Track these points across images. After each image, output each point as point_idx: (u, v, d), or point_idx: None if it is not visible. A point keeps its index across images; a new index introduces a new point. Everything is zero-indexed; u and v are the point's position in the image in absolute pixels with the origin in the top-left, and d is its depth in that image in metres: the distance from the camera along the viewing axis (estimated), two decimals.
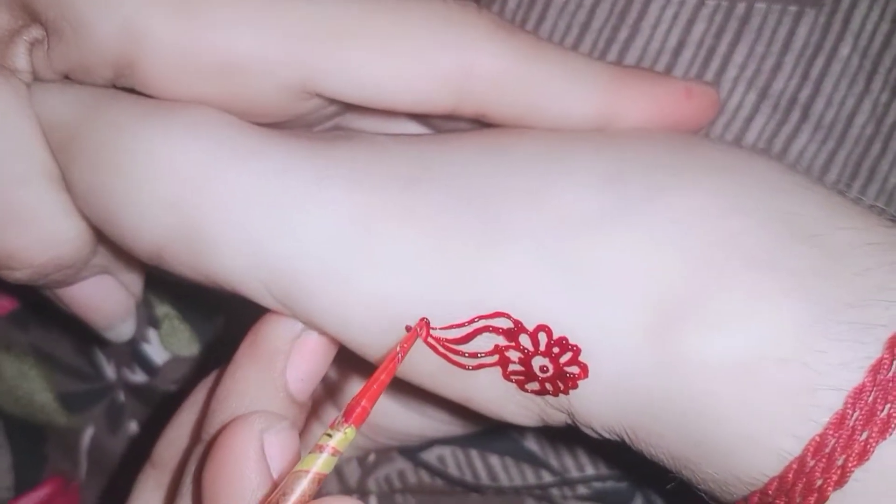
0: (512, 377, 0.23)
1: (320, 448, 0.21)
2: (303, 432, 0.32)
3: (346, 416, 0.21)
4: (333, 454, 0.21)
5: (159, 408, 0.38)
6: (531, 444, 0.34)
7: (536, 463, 0.34)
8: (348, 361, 0.28)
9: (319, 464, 0.21)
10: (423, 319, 0.23)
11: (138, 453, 0.35)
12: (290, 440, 0.23)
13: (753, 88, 0.30)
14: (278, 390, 0.25)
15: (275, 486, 0.22)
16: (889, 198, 0.30)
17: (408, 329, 0.23)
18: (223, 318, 0.38)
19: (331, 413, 0.32)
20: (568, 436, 0.25)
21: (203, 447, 0.25)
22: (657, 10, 0.29)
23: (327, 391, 0.33)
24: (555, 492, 0.34)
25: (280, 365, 0.25)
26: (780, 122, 0.30)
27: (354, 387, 0.31)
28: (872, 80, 0.30)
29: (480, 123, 0.26)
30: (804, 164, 0.30)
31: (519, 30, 0.26)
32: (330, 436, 0.21)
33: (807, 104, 0.30)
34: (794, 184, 0.23)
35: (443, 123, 0.28)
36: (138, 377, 0.38)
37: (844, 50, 0.29)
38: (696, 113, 0.27)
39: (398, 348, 0.22)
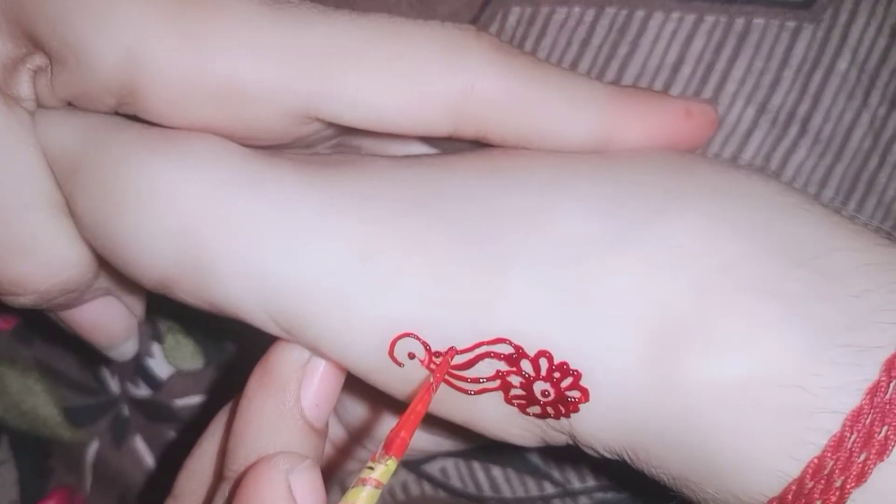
0: (514, 401, 0.23)
1: (363, 482, 0.21)
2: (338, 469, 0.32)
3: (387, 448, 0.21)
4: (377, 486, 0.21)
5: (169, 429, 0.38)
6: (533, 456, 0.34)
7: (539, 474, 0.34)
8: (378, 398, 0.28)
9: (364, 497, 0.21)
10: (451, 349, 0.23)
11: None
12: (315, 478, 0.23)
13: (752, 103, 0.30)
14: (296, 419, 0.25)
15: None
16: (887, 210, 0.30)
17: (427, 365, 0.23)
18: (230, 336, 0.37)
19: (364, 455, 0.32)
20: (570, 448, 0.26)
21: (228, 485, 0.25)
22: (656, 26, 0.29)
23: (362, 428, 0.32)
24: (557, 502, 0.35)
25: (293, 392, 0.25)
26: (778, 137, 0.30)
27: (385, 423, 0.31)
28: (870, 93, 0.30)
29: (481, 143, 0.26)
30: (802, 177, 0.30)
31: (518, 51, 0.25)
32: (372, 468, 0.21)
33: (805, 118, 0.30)
34: (792, 205, 0.23)
35: (445, 142, 0.28)
36: (142, 391, 0.38)
37: (842, 64, 0.29)
38: (695, 132, 0.26)
39: (432, 378, 0.22)
